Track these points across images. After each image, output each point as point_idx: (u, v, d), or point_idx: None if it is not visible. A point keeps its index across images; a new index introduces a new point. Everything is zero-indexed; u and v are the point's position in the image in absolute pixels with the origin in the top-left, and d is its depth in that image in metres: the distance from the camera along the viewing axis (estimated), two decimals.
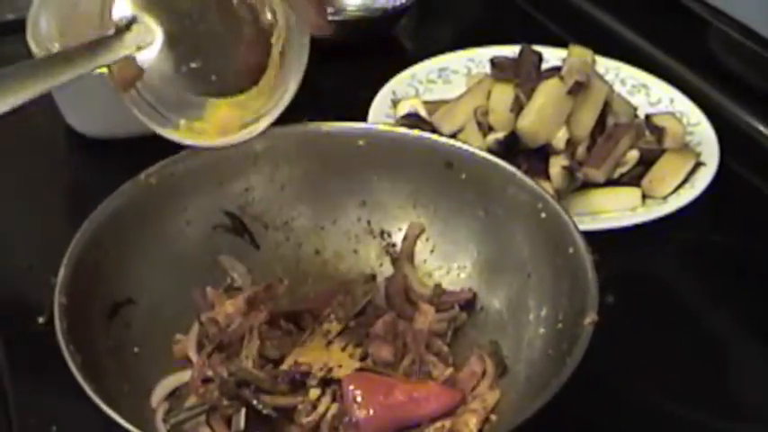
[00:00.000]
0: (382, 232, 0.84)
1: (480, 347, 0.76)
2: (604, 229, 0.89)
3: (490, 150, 0.88)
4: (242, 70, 0.68)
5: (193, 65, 0.62)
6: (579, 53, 1.00)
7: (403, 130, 0.87)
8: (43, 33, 1.02)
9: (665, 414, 0.76)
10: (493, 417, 0.71)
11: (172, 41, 0.61)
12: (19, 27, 1.05)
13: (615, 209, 0.93)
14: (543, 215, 0.76)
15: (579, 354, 0.64)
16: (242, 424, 0.70)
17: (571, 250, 0.72)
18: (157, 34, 0.60)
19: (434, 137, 0.84)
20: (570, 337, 0.67)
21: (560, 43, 1.06)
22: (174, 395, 0.73)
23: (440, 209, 0.83)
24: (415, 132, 0.85)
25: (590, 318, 0.66)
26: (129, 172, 0.79)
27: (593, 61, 1.00)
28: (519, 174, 0.79)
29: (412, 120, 1.00)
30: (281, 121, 0.83)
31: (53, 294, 0.68)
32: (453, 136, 0.96)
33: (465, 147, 0.82)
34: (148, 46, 0.61)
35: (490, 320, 0.79)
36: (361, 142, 0.83)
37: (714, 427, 0.76)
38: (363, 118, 1.01)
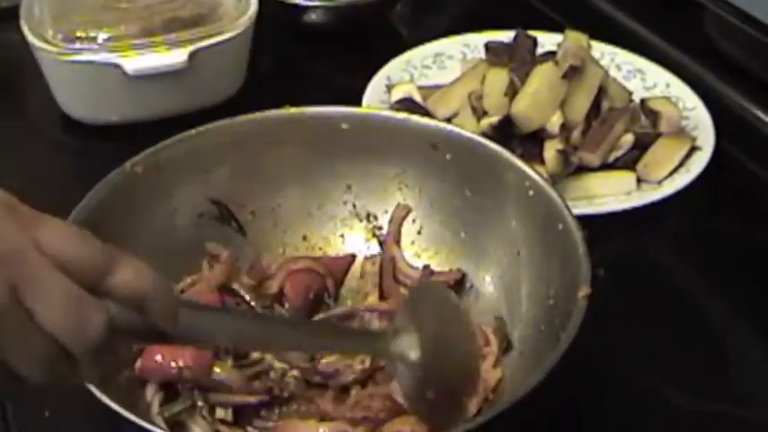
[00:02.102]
0: (368, 215, 0.84)
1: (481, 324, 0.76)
2: (599, 213, 0.89)
3: (484, 135, 0.88)
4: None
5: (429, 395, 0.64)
6: (575, 38, 0.99)
7: (387, 112, 0.86)
8: (37, 20, 1.02)
9: (655, 396, 0.76)
10: (490, 395, 0.71)
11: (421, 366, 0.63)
12: (13, 15, 1.05)
13: (610, 193, 0.93)
14: (531, 193, 0.76)
15: (574, 328, 0.64)
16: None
17: (560, 227, 0.72)
18: (415, 354, 0.63)
19: (419, 118, 0.84)
20: (563, 313, 0.67)
21: (556, 29, 1.05)
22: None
23: (425, 190, 0.83)
24: (400, 114, 0.85)
25: (583, 291, 0.66)
26: (124, 157, 0.79)
27: (589, 46, 0.99)
28: (505, 153, 0.79)
29: (406, 105, 0.99)
30: (265, 107, 0.83)
31: None
32: (448, 121, 0.96)
33: (450, 128, 0.82)
34: (405, 359, 0.63)
35: (481, 299, 0.79)
36: (344, 125, 0.83)
37: (707, 409, 0.76)
38: (358, 103, 1.01)
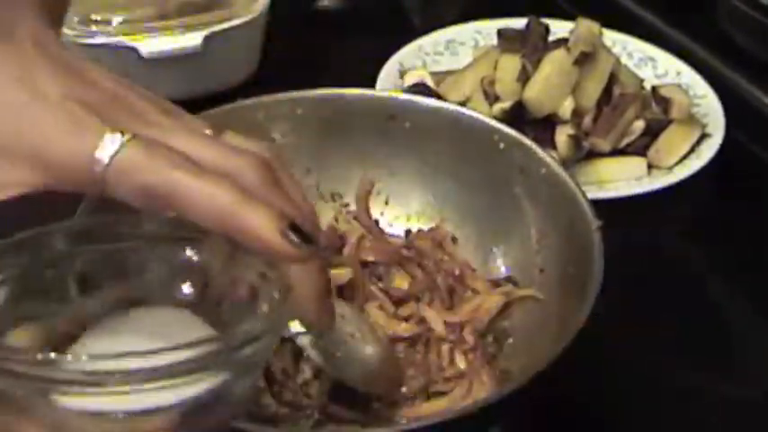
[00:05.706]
0: (333, 195, 0.84)
1: None
2: (609, 198, 0.90)
3: (496, 119, 0.88)
4: None
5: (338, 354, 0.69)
6: (586, 25, 1.00)
7: (340, 90, 0.85)
8: None
9: (666, 381, 0.77)
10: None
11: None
12: None
13: (621, 178, 0.94)
14: (502, 146, 0.77)
15: (598, 269, 0.65)
16: None
17: (543, 171, 0.73)
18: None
19: (373, 92, 0.84)
20: (572, 249, 0.68)
21: (569, 17, 1.06)
22: None
23: (387, 160, 0.83)
24: (353, 91, 0.84)
25: (595, 224, 0.67)
26: None
27: (600, 33, 1.00)
28: (466, 112, 0.79)
29: (419, 89, 1.00)
30: (279, 91, 0.83)
31: None
32: (462, 105, 0.97)
33: (406, 97, 0.83)
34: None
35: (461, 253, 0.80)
36: (299, 111, 0.82)
37: (715, 391, 0.77)
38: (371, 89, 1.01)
